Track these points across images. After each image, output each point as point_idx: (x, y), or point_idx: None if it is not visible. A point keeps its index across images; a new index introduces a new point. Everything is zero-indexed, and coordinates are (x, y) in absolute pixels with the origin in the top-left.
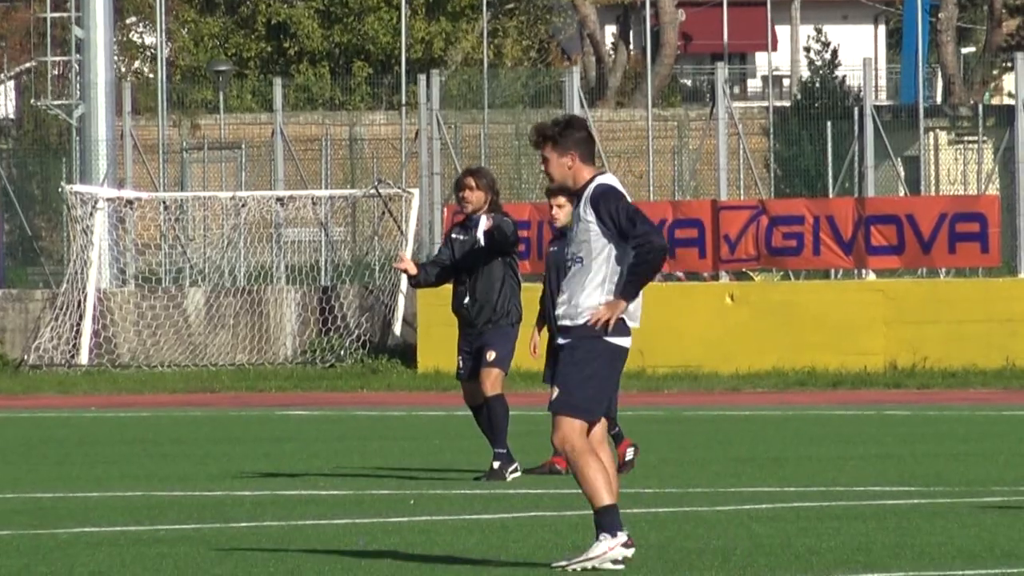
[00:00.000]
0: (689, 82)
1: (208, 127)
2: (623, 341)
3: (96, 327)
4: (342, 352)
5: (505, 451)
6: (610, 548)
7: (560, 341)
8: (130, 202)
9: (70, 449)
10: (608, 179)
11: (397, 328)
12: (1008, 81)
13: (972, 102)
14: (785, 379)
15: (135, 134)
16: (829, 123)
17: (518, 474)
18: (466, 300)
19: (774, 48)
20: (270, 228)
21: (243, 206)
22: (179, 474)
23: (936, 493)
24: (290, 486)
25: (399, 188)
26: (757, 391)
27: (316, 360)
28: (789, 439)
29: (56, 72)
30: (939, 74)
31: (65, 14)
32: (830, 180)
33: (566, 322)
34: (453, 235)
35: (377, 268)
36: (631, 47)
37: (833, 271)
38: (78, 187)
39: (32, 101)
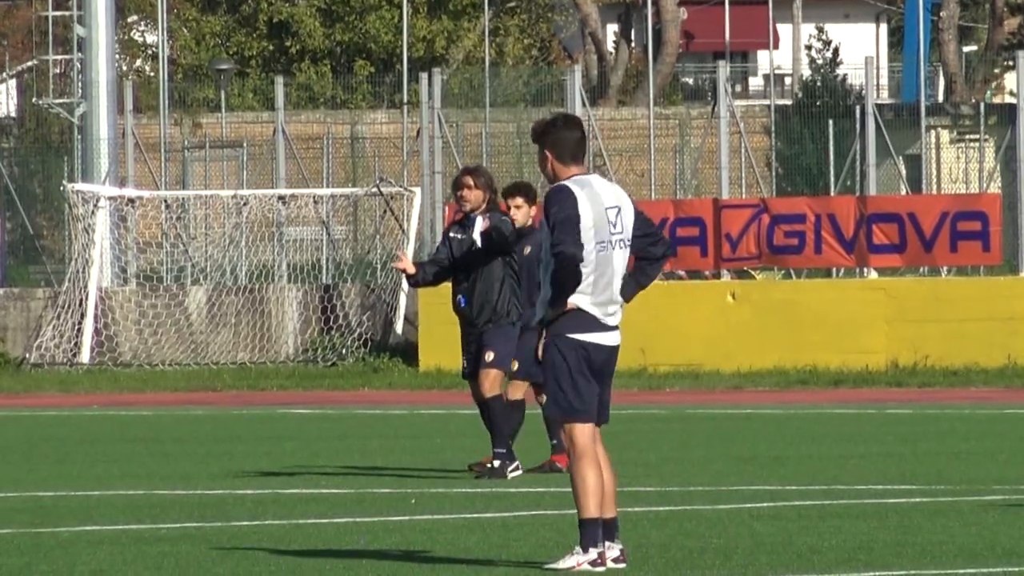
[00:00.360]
0: (691, 80)
1: (210, 126)
2: (592, 337)
3: (98, 326)
4: (344, 351)
5: (505, 450)
6: (578, 564)
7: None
8: (132, 201)
9: (71, 448)
10: (571, 183)
11: (399, 327)
12: (1010, 79)
13: (974, 100)
14: (786, 377)
15: (137, 133)
16: (831, 121)
17: (519, 472)
18: (465, 300)
19: (776, 46)
20: (272, 227)
21: (245, 204)
22: (180, 472)
23: (937, 491)
24: (291, 485)
25: (401, 187)
26: (758, 390)
27: (318, 359)
28: (790, 438)
29: (58, 70)
30: (941, 72)
31: (67, 12)
32: (832, 178)
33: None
34: (451, 234)
35: (379, 267)
36: (633, 45)
37: (835, 269)
38: (80, 186)
39: (34, 99)
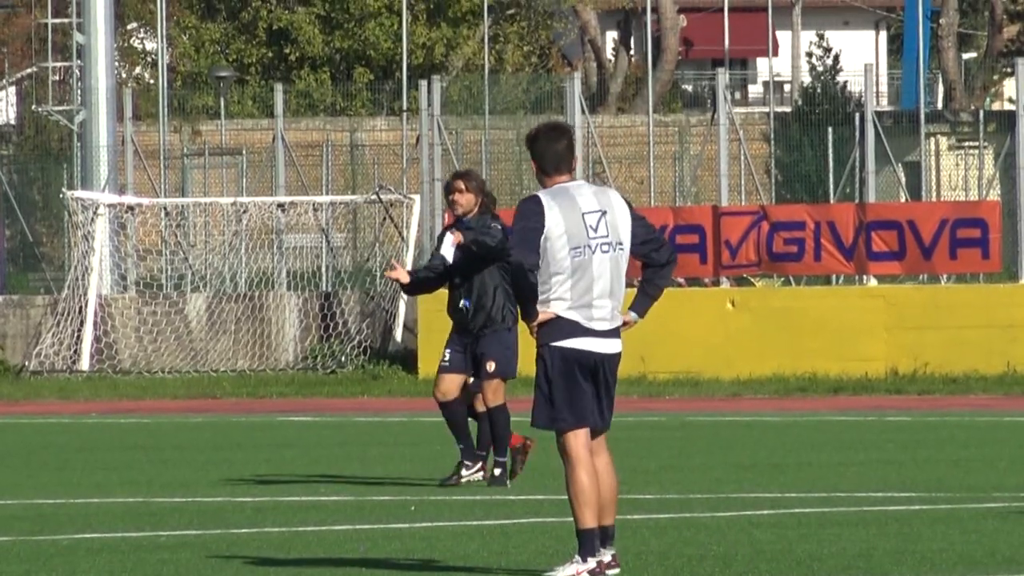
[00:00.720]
0: (690, 88)
1: (209, 133)
2: (576, 343)
3: (97, 333)
4: (343, 358)
5: (506, 460)
6: (577, 573)
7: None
8: (131, 208)
9: (71, 455)
10: (543, 193)
11: (398, 334)
12: (1009, 86)
13: (973, 107)
14: (786, 385)
15: (136, 140)
16: (830, 129)
17: (482, 475)
18: (461, 305)
19: (775, 54)
20: (271, 234)
21: (244, 212)
22: (180, 480)
23: (937, 499)
24: (291, 492)
25: (400, 194)
26: (758, 397)
27: (317, 366)
28: (790, 445)
29: (57, 78)
30: (940, 80)
31: (66, 20)
32: (831, 186)
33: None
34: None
35: (378, 274)
36: (632, 53)
37: (834, 277)
38: (79, 193)
39: (33, 107)
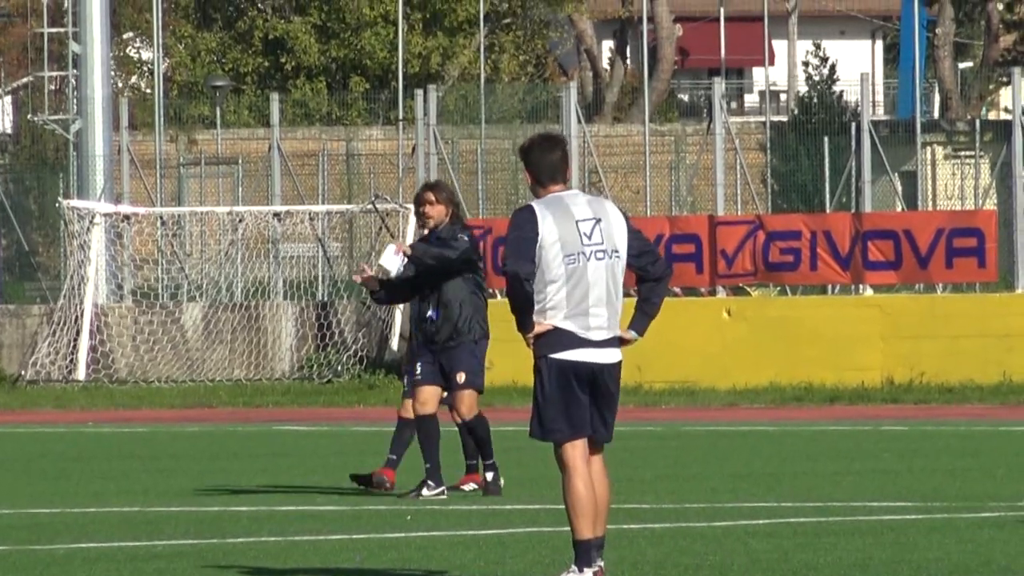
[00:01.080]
0: (686, 97)
1: (205, 142)
2: (573, 355)
3: (93, 342)
4: (339, 367)
5: (494, 461)
6: None
7: None
8: (127, 217)
9: (67, 464)
10: (536, 203)
11: (394, 343)
12: (1005, 96)
13: (969, 117)
14: (782, 394)
15: (132, 149)
16: (826, 138)
17: (444, 496)
18: (428, 315)
19: (771, 63)
20: (267, 243)
21: (240, 221)
22: (176, 489)
23: (933, 508)
24: (287, 501)
25: (396, 204)
26: (754, 406)
27: (313, 375)
28: (786, 455)
29: (53, 87)
30: (936, 89)
31: (62, 29)
32: (827, 195)
33: None
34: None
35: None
36: (628, 62)
37: (830, 286)
38: (75, 202)
39: (29, 116)
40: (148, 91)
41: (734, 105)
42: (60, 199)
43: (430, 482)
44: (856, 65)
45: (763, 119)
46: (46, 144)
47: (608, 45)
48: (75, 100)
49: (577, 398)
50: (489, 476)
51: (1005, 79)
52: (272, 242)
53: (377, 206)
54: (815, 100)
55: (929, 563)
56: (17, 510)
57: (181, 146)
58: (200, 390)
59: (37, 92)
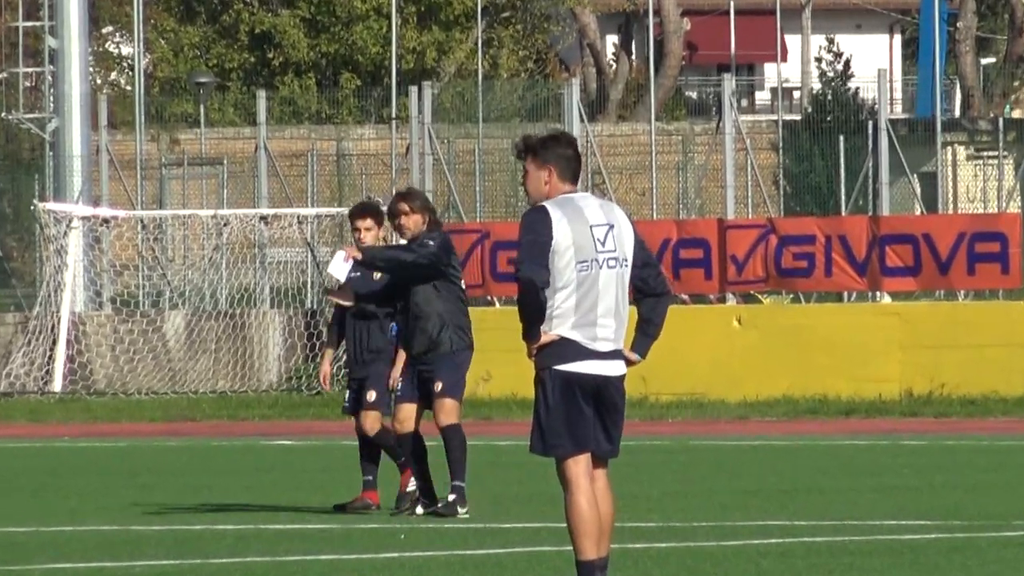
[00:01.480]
0: (694, 94)
1: (188, 142)
2: (577, 367)
3: (70, 352)
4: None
5: (463, 485)
6: None
7: None
8: (106, 221)
9: (43, 480)
10: (548, 203)
11: None
12: None
13: (992, 115)
14: (795, 407)
15: (111, 149)
16: (842, 138)
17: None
18: (391, 326)
19: (784, 59)
20: (253, 248)
21: (225, 225)
22: (157, 507)
23: (954, 527)
24: (274, 520)
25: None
26: (766, 419)
27: (302, 387)
28: (799, 470)
29: (29, 84)
30: (957, 86)
31: (38, 23)
32: (843, 197)
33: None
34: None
35: None
36: (633, 57)
37: (846, 293)
38: (51, 205)
39: (3, 114)
40: (128, 88)
41: (744, 103)
42: (35, 201)
43: (424, 500)
44: (873, 61)
45: (775, 118)
46: (21, 144)
47: (612, 40)
48: (52, 97)
49: (581, 411)
50: (451, 497)
51: None
52: (258, 247)
53: None
54: (830, 98)
55: None
56: None
57: (163, 146)
58: (182, 402)
59: (12, 89)
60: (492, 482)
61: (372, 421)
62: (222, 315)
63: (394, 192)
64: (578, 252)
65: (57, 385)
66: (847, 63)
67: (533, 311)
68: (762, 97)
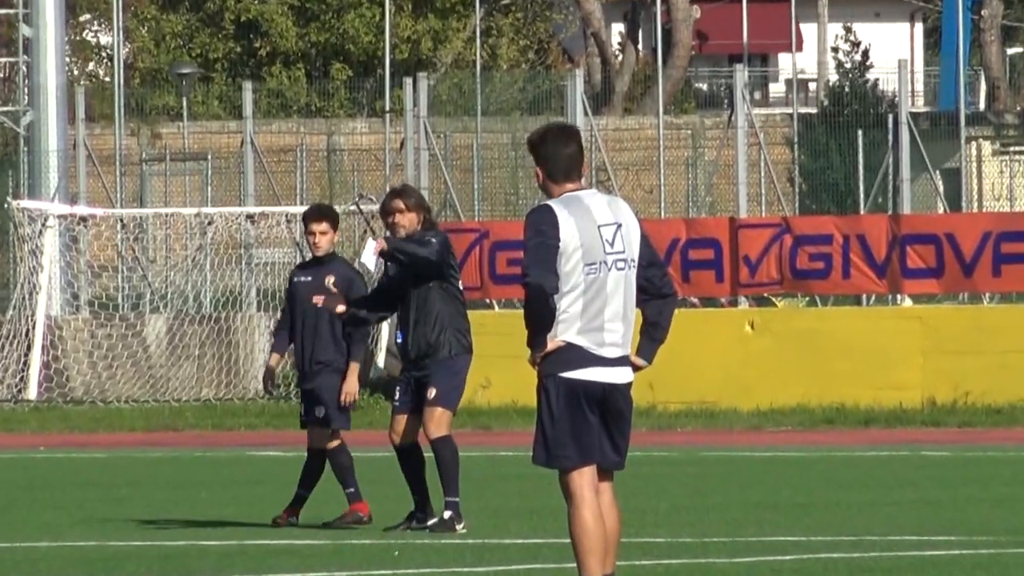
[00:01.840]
0: (705, 86)
1: (170, 136)
2: (583, 374)
3: (46, 358)
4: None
5: (457, 500)
6: None
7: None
8: (84, 219)
9: (16, 493)
10: (554, 202)
11: (380, 359)
12: None
13: (1019, 108)
14: (811, 416)
15: (89, 144)
16: (860, 132)
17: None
18: (397, 333)
19: (799, 49)
20: (239, 248)
21: (209, 224)
22: (137, 521)
23: (979, 543)
24: (261, 535)
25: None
26: (780, 430)
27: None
28: (816, 483)
29: (2, 75)
30: (982, 77)
31: (12, 11)
32: (861, 195)
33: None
34: (388, 264)
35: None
36: (640, 47)
37: (865, 296)
38: (26, 203)
39: None
40: (107, 79)
41: (758, 95)
42: (9, 199)
43: (419, 514)
44: (893, 51)
45: (790, 111)
46: None
47: (618, 28)
48: (26, 89)
49: (587, 420)
50: (446, 514)
51: None
52: (245, 247)
53: (361, 207)
54: (847, 90)
55: None
56: None
57: (144, 140)
58: (164, 411)
59: None
60: (491, 495)
61: (320, 438)
62: (206, 319)
63: (388, 189)
64: (586, 254)
65: (32, 393)
66: (866, 53)
67: (541, 319)
68: (776, 89)
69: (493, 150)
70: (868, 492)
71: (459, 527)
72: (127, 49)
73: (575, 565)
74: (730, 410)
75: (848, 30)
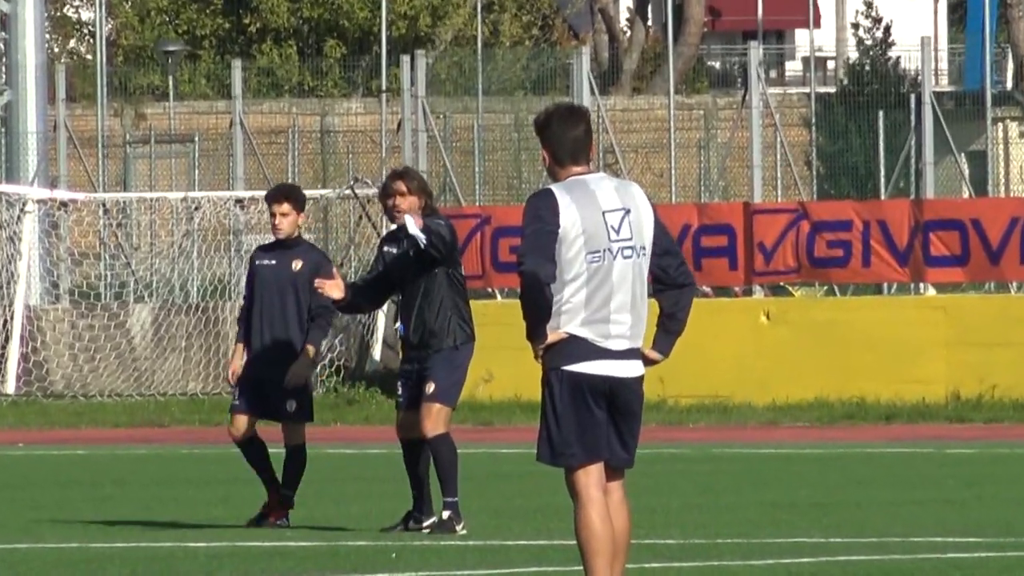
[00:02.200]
0: (717, 64)
1: (155, 117)
2: (587, 367)
3: (25, 350)
4: (313, 380)
5: (456, 500)
6: None
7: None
8: (64, 204)
9: None
10: (556, 187)
11: (377, 352)
12: None
13: None
14: (830, 411)
15: (70, 125)
16: (881, 113)
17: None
18: (397, 322)
19: (817, 25)
20: (228, 235)
21: (196, 209)
22: (121, 522)
23: (1006, 545)
24: (251, 536)
25: (378, 188)
26: (797, 425)
27: None
28: (834, 481)
29: None
30: (1009, 55)
31: None
32: (882, 179)
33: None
34: (386, 249)
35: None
36: (650, 24)
37: (886, 285)
38: (3, 187)
39: None
40: (89, 57)
41: (773, 74)
42: None
43: (416, 514)
44: (916, 27)
45: (807, 90)
46: None
47: (626, 3)
48: (3, 68)
49: (593, 416)
50: (445, 515)
51: None
52: (233, 233)
53: (356, 191)
54: (868, 68)
55: None
56: None
57: (127, 121)
58: (149, 406)
59: None
60: (492, 494)
61: (243, 424)
62: (193, 309)
63: (384, 173)
64: (588, 241)
65: (10, 387)
66: (887, 30)
67: (538, 309)
68: (793, 67)
69: (495, 131)
70: (889, 491)
71: (459, 528)
72: (110, 25)
73: (582, 568)
74: (744, 405)
75: (869, 5)
